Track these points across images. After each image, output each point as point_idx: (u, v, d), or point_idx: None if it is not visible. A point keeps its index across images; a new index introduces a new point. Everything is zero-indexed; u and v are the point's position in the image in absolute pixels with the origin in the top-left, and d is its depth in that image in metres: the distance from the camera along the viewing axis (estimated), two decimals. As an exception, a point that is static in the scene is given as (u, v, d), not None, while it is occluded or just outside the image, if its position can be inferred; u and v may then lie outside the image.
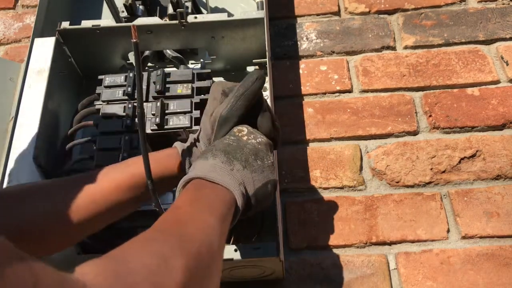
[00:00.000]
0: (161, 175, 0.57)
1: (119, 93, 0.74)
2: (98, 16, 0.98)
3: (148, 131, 0.70)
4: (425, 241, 0.75)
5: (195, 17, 0.80)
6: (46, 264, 0.25)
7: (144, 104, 0.73)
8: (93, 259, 0.31)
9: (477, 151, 0.82)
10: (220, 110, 0.55)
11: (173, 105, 0.72)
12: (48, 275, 0.25)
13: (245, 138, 0.54)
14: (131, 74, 0.75)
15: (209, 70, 0.78)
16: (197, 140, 0.59)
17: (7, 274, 0.22)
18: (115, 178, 0.55)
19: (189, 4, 0.86)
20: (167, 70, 0.76)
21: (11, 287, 0.22)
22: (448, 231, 0.76)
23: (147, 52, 0.89)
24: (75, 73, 0.88)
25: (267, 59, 0.77)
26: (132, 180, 0.55)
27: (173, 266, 0.35)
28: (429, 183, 0.80)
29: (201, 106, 0.72)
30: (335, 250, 0.76)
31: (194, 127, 0.70)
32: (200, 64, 0.88)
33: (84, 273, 0.29)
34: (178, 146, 0.59)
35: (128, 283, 0.31)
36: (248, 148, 0.52)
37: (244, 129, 0.55)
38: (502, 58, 0.91)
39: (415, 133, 0.85)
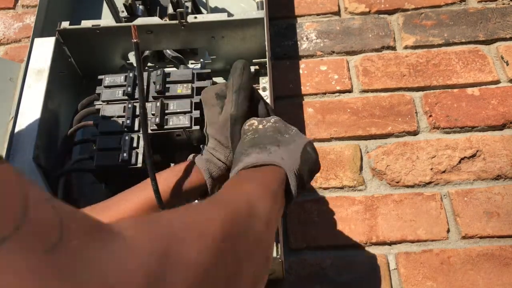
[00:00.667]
0: (188, 188, 0.56)
1: (119, 93, 0.74)
2: (98, 16, 0.98)
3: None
4: (425, 241, 0.75)
5: (195, 17, 0.80)
6: (75, 209, 0.24)
7: (144, 104, 0.73)
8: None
9: (477, 151, 0.82)
10: (229, 112, 0.55)
11: (173, 105, 0.72)
12: (77, 216, 0.24)
13: (260, 126, 0.54)
14: (131, 74, 0.75)
15: (209, 70, 0.77)
16: (212, 149, 0.58)
17: (30, 212, 0.21)
18: (132, 204, 0.54)
19: (189, 4, 0.86)
20: (167, 70, 0.76)
21: (35, 225, 0.21)
22: (448, 231, 0.76)
23: (147, 52, 0.89)
24: (75, 73, 0.88)
25: (267, 59, 0.77)
26: (150, 203, 0.54)
27: (210, 218, 0.34)
28: (429, 183, 0.80)
29: (201, 106, 0.72)
30: (335, 250, 0.76)
31: (194, 127, 0.70)
32: (200, 64, 0.88)
33: (118, 224, 0.27)
34: (195, 159, 0.58)
35: (165, 230, 0.29)
36: (269, 131, 0.53)
37: (253, 121, 0.55)
38: (502, 58, 0.91)
39: (415, 133, 0.85)
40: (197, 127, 0.70)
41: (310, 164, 0.53)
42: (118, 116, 0.72)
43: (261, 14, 0.81)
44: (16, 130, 0.73)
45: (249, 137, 0.53)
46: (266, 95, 0.81)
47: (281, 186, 0.48)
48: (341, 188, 0.81)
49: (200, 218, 0.33)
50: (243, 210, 0.38)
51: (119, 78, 0.75)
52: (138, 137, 0.70)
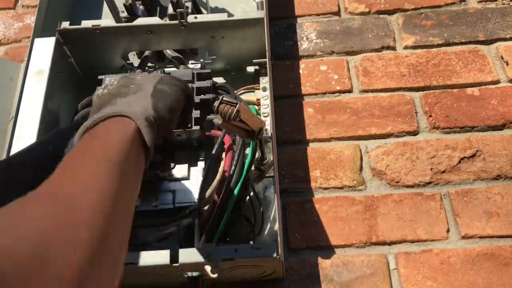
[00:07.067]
0: None
1: (119, 93, 0.74)
2: (98, 16, 0.98)
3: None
4: (425, 241, 0.75)
5: (195, 17, 0.80)
6: None
7: (144, 104, 0.73)
8: None
9: (477, 151, 0.82)
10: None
11: (173, 105, 0.72)
12: None
13: (104, 91, 0.50)
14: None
15: (209, 70, 0.77)
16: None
17: None
18: None
19: (189, 4, 0.86)
20: (167, 70, 0.76)
21: None
22: (448, 231, 0.76)
23: (147, 52, 0.89)
24: (75, 73, 0.88)
25: (267, 59, 0.77)
26: None
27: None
28: (429, 183, 0.80)
29: (201, 106, 0.72)
30: (335, 250, 0.76)
31: (194, 127, 0.70)
32: (200, 64, 0.88)
33: None
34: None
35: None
36: (113, 90, 0.49)
37: (98, 89, 0.51)
38: (502, 58, 0.91)
39: (415, 133, 0.85)
40: (197, 127, 0.70)
41: (166, 99, 0.47)
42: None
43: (261, 14, 0.81)
44: (16, 130, 0.73)
45: (94, 105, 0.49)
46: (266, 95, 0.81)
47: (131, 142, 0.41)
48: (341, 188, 0.81)
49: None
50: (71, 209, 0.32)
51: (119, 78, 0.75)
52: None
